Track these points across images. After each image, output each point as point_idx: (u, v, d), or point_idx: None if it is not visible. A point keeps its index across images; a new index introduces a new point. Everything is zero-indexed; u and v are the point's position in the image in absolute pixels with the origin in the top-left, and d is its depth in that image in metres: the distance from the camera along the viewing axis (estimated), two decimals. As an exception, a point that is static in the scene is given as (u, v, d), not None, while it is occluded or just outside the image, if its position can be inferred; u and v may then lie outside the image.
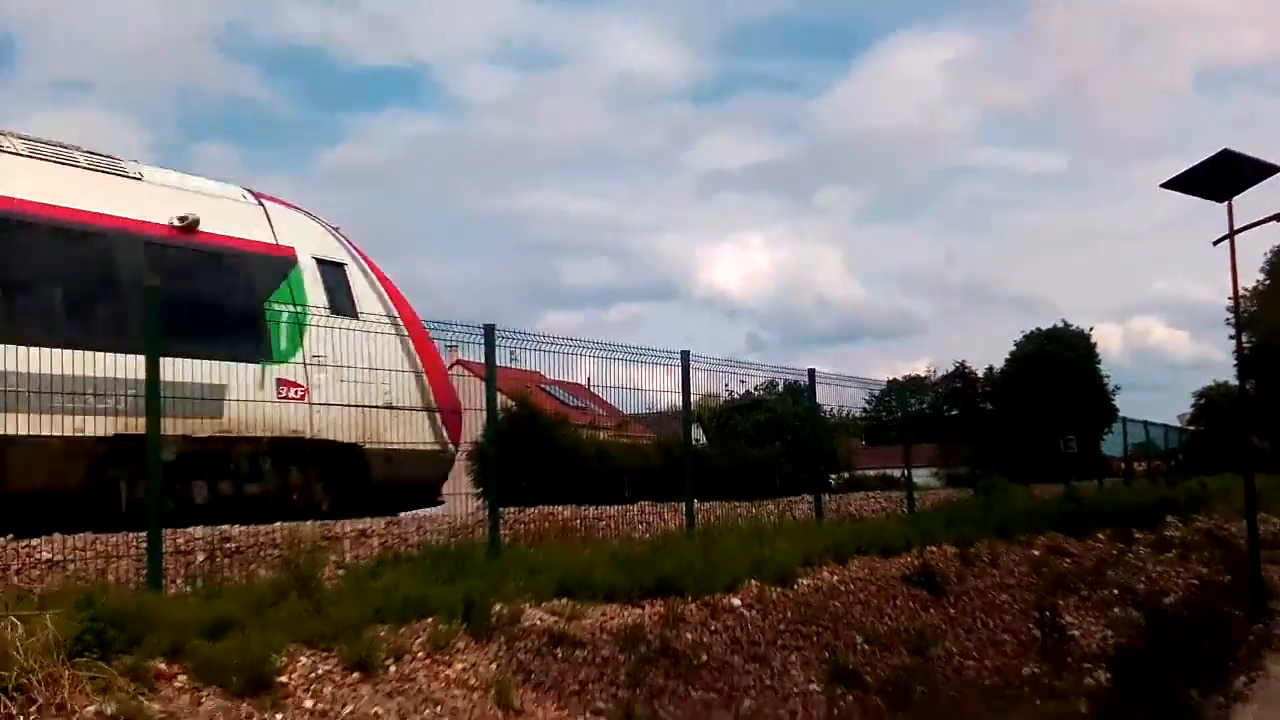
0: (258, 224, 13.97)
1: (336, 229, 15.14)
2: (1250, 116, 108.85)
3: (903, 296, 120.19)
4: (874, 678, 10.13)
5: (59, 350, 10.34)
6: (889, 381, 27.45)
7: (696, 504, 13.77)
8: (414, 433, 13.84)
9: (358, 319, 13.22)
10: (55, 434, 10.54)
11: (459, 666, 7.49)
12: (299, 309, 13.23)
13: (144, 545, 8.34)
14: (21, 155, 12.00)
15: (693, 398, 14.93)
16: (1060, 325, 56.52)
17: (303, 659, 6.88)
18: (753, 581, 10.83)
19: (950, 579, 13.97)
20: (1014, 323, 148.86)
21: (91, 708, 5.61)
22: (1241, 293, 22.02)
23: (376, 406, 13.20)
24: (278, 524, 10.46)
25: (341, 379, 12.74)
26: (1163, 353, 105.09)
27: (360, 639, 7.21)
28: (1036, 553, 17.27)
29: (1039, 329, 56.10)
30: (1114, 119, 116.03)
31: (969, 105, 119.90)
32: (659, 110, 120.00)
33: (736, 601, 10.34)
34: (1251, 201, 19.37)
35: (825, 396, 18.45)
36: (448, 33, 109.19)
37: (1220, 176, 18.47)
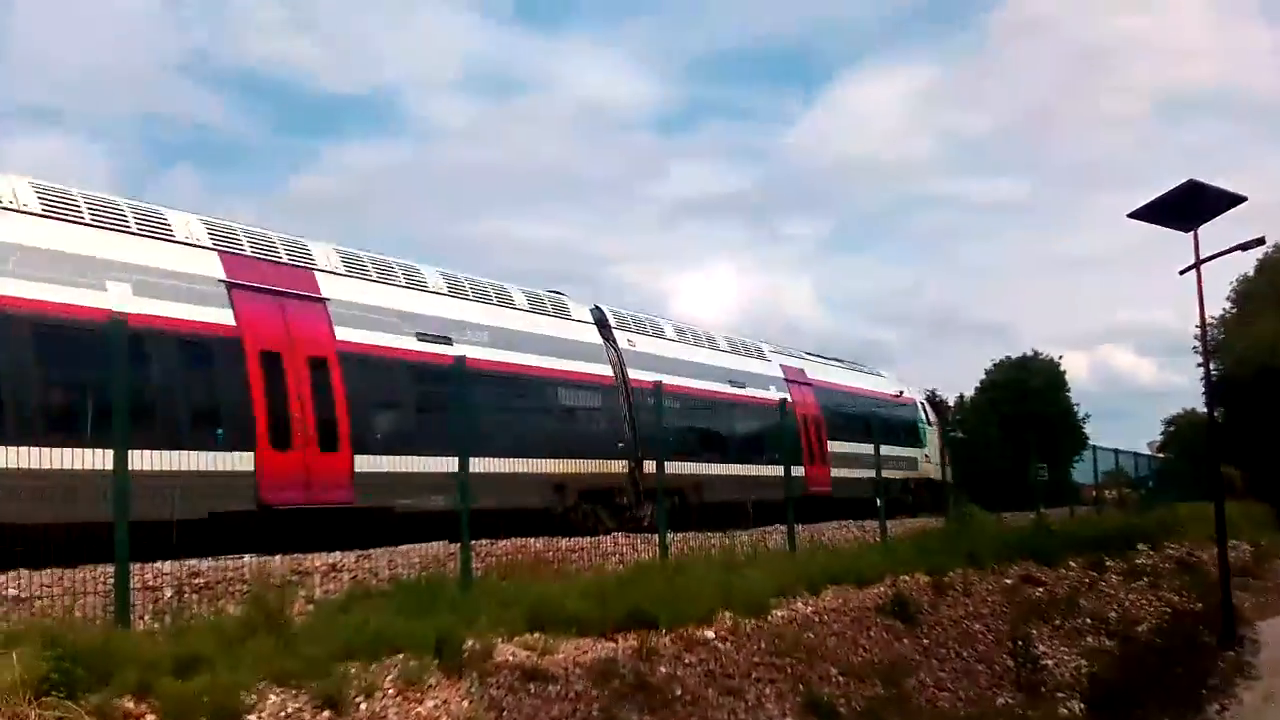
0: (904, 389, 33.38)
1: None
2: (1210, 144, 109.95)
3: (870, 325, 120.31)
4: (848, 709, 10.09)
5: (866, 444, 23.19)
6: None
7: (670, 535, 13.74)
8: (940, 472, 29.37)
9: (931, 426, 33.46)
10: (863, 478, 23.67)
11: (430, 704, 7.41)
12: (923, 424, 32.89)
13: (111, 581, 8.22)
14: (833, 365, 30.26)
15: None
16: (1030, 354, 57.04)
17: (272, 697, 6.79)
18: (726, 613, 10.78)
19: (923, 609, 13.96)
20: (981, 351, 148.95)
21: (57, 749, 5.52)
22: (1209, 321, 22.23)
23: (936, 463, 30.27)
24: (246, 558, 10.50)
25: (932, 452, 31.23)
26: (1131, 380, 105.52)
27: (330, 676, 7.12)
28: (1009, 581, 17.29)
29: (1008, 357, 56.58)
30: (1074, 148, 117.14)
31: (931, 134, 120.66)
32: (625, 139, 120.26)
33: (710, 634, 10.29)
34: (1219, 229, 19.66)
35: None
36: (415, 60, 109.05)
37: (1186, 206, 18.71)
